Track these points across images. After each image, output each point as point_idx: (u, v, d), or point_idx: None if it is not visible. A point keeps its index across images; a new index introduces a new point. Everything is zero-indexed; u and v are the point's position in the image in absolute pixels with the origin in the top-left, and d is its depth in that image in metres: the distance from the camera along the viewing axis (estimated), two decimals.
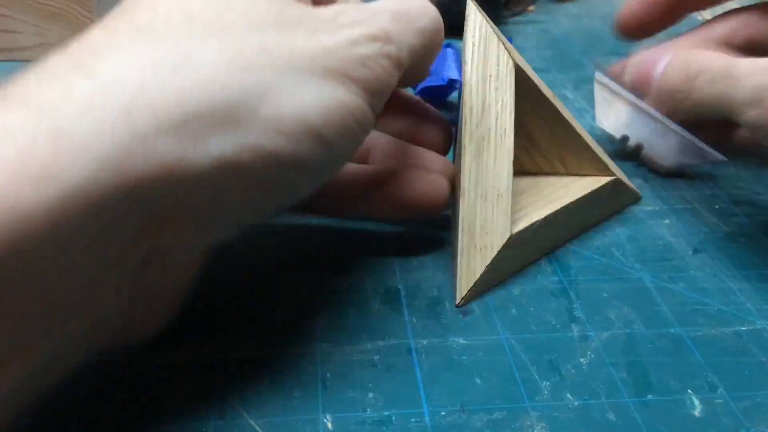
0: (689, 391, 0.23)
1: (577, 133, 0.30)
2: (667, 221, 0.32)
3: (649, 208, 0.33)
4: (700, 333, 0.25)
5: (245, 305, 0.26)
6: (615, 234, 0.31)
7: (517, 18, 0.59)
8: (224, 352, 0.24)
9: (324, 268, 0.28)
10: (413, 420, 0.21)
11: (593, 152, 0.30)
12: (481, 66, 0.27)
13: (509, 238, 0.26)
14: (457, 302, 0.26)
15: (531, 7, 0.62)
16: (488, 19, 0.29)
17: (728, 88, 0.27)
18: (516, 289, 0.27)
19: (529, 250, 0.28)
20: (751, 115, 0.27)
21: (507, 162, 0.26)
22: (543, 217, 0.28)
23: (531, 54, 0.50)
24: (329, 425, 0.21)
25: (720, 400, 0.22)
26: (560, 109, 0.29)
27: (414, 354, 0.24)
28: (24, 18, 0.45)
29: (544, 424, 0.21)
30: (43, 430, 0.21)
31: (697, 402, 0.22)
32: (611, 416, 0.22)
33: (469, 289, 0.26)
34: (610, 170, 0.31)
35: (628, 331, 0.25)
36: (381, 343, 0.24)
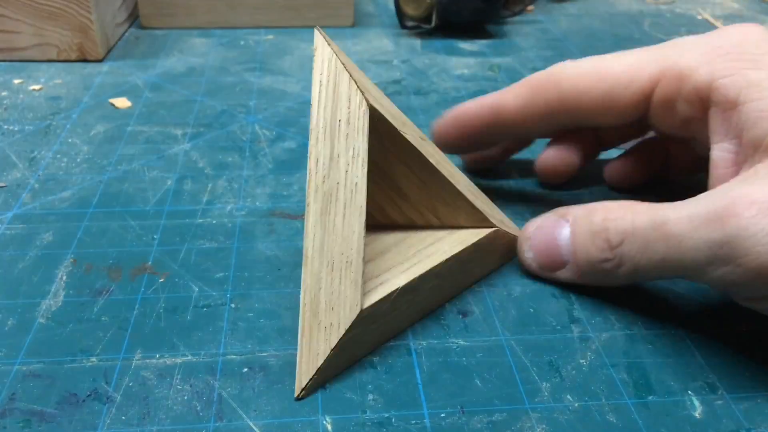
0: (689, 392, 0.23)
1: (448, 182, 0.26)
2: None
3: None
4: (700, 333, 0.25)
5: (245, 305, 0.26)
6: None
7: (517, 18, 0.59)
8: (224, 352, 0.24)
9: None
10: (413, 421, 0.21)
11: (468, 202, 0.26)
12: (330, 108, 0.23)
13: (360, 314, 0.22)
14: (296, 394, 0.22)
15: (530, 7, 0.62)
16: (339, 51, 0.24)
17: (671, 250, 0.22)
18: (516, 290, 0.27)
19: (389, 323, 0.24)
20: (717, 274, 0.21)
21: (358, 222, 0.22)
22: (405, 283, 0.23)
23: (530, 53, 0.50)
24: (329, 427, 0.21)
25: (720, 401, 0.22)
26: (428, 155, 0.25)
27: (414, 355, 0.24)
28: (22, 18, 0.45)
29: (544, 426, 0.21)
30: (44, 429, 0.21)
31: (697, 403, 0.22)
32: (611, 417, 0.22)
33: (312, 377, 0.22)
34: (489, 221, 0.27)
35: (628, 331, 0.25)
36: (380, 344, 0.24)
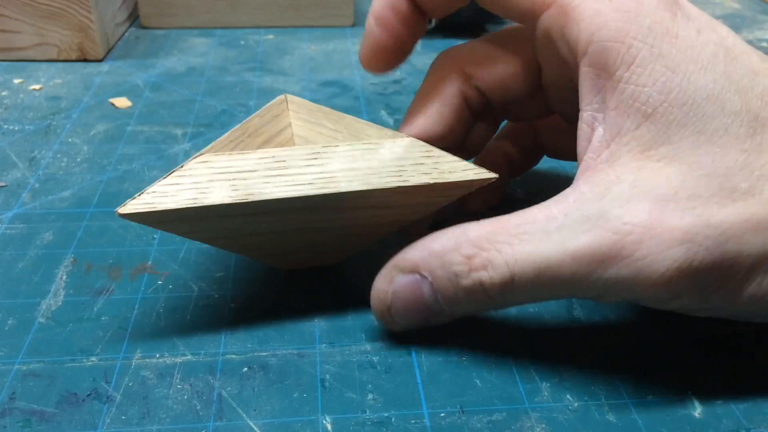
0: (689, 391, 0.23)
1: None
2: None
3: None
4: (700, 333, 0.25)
5: (245, 305, 0.26)
6: None
7: None
8: (224, 352, 0.24)
9: (324, 268, 0.28)
10: (413, 421, 0.21)
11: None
12: None
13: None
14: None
15: None
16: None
17: (560, 291, 0.21)
18: None
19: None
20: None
21: None
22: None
23: None
24: (329, 426, 0.21)
25: (720, 401, 0.22)
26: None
27: (413, 355, 0.24)
28: (22, 18, 0.45)
29: (544, 425, 0.21)
30: (44, 428, 0.21)
31: (697, 403, 0.22)
32: (611, 417, 0.22)
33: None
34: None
35: (628, 331, 0.25)
36: (380, 344, 0.24)
